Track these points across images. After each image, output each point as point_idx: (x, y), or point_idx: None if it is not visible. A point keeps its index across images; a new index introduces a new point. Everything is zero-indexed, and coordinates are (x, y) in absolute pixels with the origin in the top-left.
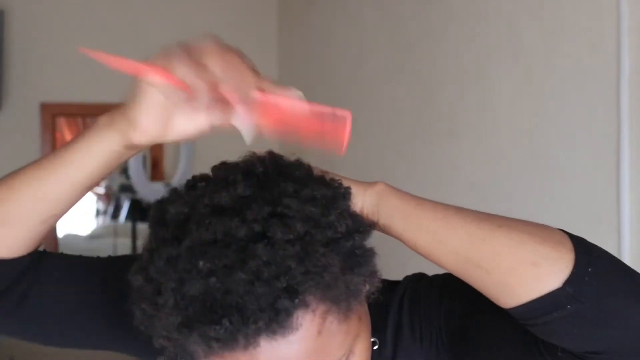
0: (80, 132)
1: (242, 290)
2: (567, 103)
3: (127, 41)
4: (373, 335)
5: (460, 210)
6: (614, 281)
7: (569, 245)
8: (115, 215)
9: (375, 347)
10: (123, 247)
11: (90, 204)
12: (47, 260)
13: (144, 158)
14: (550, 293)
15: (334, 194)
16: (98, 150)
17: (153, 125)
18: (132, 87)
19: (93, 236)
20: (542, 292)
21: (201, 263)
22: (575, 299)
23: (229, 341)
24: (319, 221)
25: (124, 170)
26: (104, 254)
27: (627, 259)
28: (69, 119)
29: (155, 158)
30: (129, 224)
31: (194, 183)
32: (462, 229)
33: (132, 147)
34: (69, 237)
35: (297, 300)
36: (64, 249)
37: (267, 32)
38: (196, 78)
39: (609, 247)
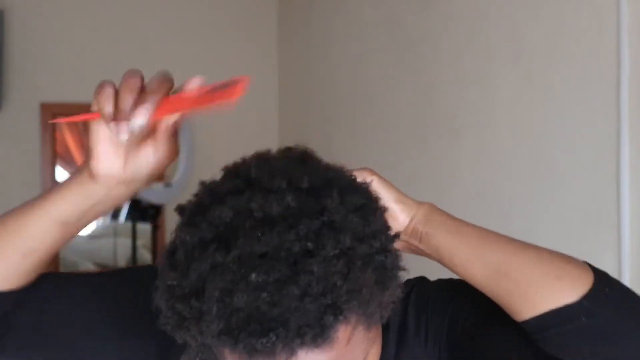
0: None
1: (292, 305)
2: (567, 103)
3: (126, 41)
4: None
5: (495, 232)
6: (628, 304)
7: (590, 269)
8: (115, 215)
9: None
10: (123, 247)
11: None
12: (41, 285)
13: None
14: (568, 305)
15: (373, 203)
16: (69, 184)
17: (106, 155)
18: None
19: (93, 236)
20: (561, 304)
21: (253, 276)
22: (590, 313)
23: (271, 353)
24: (361, 234)
25: None
26: (104, 254)
27: (627, 259)
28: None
29: None
30: (129, 224)
31: (235, 185)
32: (497, 244)
33: (94, 179)
34: None
35: (340, 317)
36: (63, 249)
37: (267, 32)
38: (101, 103)
39: (609, 247)
